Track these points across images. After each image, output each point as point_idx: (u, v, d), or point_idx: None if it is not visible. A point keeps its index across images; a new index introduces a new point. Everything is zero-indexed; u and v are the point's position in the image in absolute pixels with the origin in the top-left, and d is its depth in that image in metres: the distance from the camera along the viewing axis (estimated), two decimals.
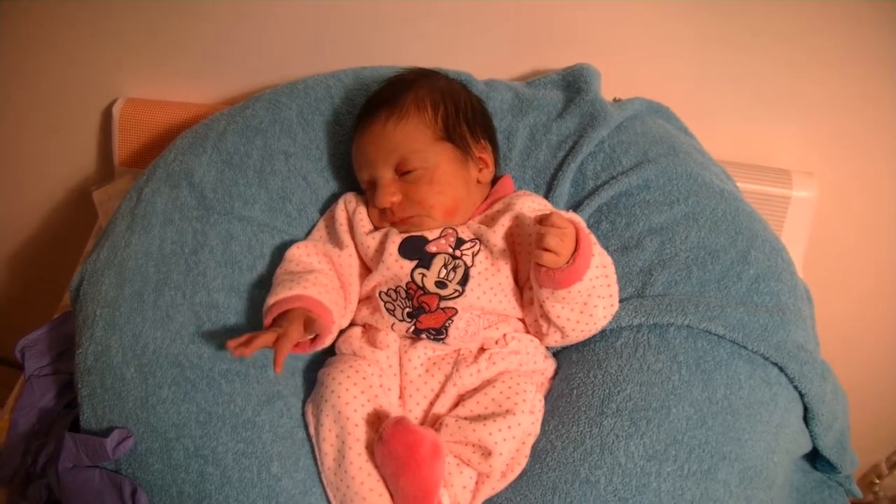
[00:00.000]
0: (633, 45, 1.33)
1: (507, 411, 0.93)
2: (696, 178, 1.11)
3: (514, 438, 0.92)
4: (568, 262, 0.92)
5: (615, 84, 1.29)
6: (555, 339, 1.02)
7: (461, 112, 1.10)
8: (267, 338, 0.90)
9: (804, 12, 1.25)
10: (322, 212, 1.16)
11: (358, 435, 0.92)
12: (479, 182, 1.10)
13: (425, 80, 1.10)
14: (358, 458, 0.91)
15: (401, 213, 1.05)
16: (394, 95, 1.07)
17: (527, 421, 0.94)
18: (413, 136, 1.05)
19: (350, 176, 1.20)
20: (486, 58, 1.36)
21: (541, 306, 0.99)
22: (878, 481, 1.69)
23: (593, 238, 1.02)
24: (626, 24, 1.31)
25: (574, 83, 1.24)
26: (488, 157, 1.11)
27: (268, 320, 0.97)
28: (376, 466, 0.91)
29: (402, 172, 1.04)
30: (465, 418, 0.93)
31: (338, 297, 1.03)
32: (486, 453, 0.91)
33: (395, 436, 0.87)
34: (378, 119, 1.06)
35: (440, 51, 1.31)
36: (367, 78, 1.23)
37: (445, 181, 1.05)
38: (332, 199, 1.16)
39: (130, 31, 1.44)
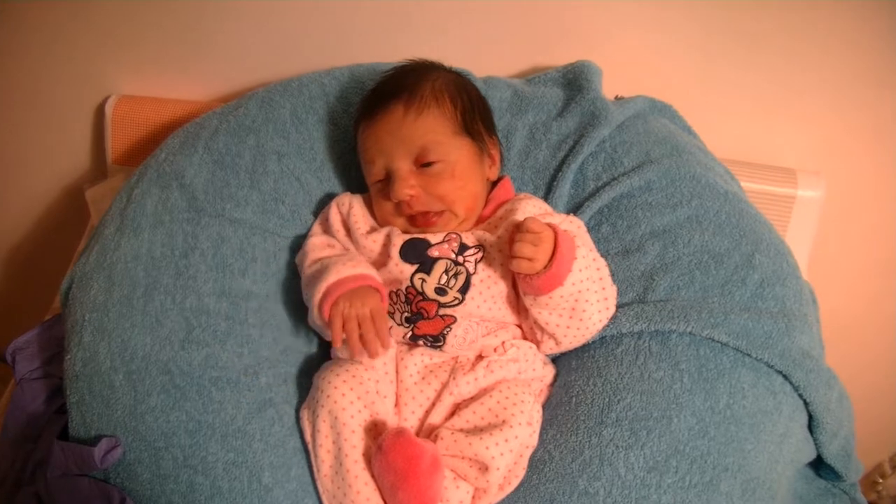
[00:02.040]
0: (635, 41, 1.31)
1: (504, 422, 0.91)
2: (700, 180, 1.09)
3: (511, 452, 0.90)
4: (545, 268, 0.90)
5: (617, 81, 1.28)
6: (550, 347, 1.01)
7: (476, 106, 1.08)
8: (384, 321, 0.95)
9: (812, 8, 1.23)
10: (315, 213, 1.14)
11: (354, 442, 0.90)
12: (488, 179, 1.09)
13: (439, 72, 1.08)
14: (355, 466, 0.89)
15: (418, 207, 1.02)
16: (410, 85, 1.04)
17: (524, 433, 0.91)
18: (434, 129, 1.02)
19: (345, 176, 1.18)
20: (484, 54, 1.34)
21: (530, 312, 0.97)
22: (881, 481, 1.69)
23: (583, 241, 1.00)
24: (629, 20, 1.29)
25: (575, 81, 1.22)
26: (497, 153, 1.10)
27: (329, 303, 0.94)
28: (373, 476, 0.89)
29: (421, 164, 1.01)
30: (462, 431, 0.91)
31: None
32: (483, 468, 0.89)
33: (395, 447, 0.85)
34: (395, 109, 1.02)
35: (438, 47, 1.29)
36: (363, 75, 1.21)
37: (466, 176, 1.03)
38: (326, 200, 1.15)
39: (123, 28, 1.42)
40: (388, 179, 1.03)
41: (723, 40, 1.28)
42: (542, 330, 0.98)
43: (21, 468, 1.01)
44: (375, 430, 0.92)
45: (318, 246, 1.06)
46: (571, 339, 0.98)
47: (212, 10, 1.37)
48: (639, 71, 1.33)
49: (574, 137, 1.15)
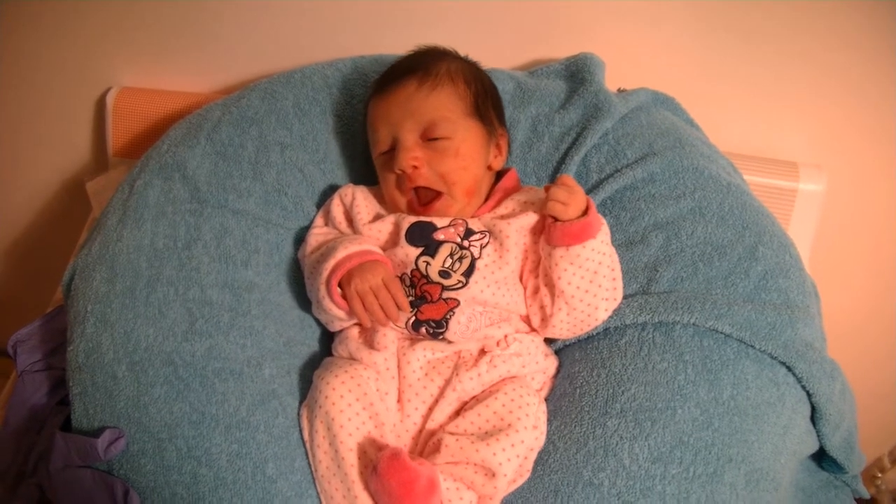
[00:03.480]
0: (638, 33, 1.31)
1: (510, 426, 0.90)
2: (703, 172, 1.09)
3: (517, 457, 0.89)
4: (582, 215, 0.93)
5: (620, 74, 1.27)
6: (559, 320, 0.98)
7: (489, 94, 1.09)
8: (397, 286, 0.97)
9: (815, 2, 1.23)
10: (318, 204, 1.14)
11: (351, 445, 0.89)
12: (490, 168, 1.08)
13: (454, 57, 1.09)
14: (351, 470, 0.89)
15: (420, 181, 1.01)
16: (426, 64, 1.05)
17: (530, 437, 0.91)
18: (445, 105, 1.03)
19: (347, 167, 1.18)
20: (487, 46, 1.33)
21: (549, 276, 0.96)
22: (880, 475, 1.69)
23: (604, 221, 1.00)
24: (632, 12, 1.29)
25: (577, 73, 1.22)
26: (504, 144, 1.11)
27: (336, 278, 0.96)
28: (367, 488, 0.89)
29: (427, 138, 1.02)
30: (466, 435, 0.90)
31: None
32: (490, 474, 0.88)
33: (390, 471, 0.83)
34: (409, 83, 1.03)
35: (440, 39, 1.28)
36: (366, 67, 1.21)
37: (470, 157, 1.03)
38: (329, 192, 1.14)
39: (124, 19, 1.41)
40: (392, 151, 1.03)
41: (726, 33, 1.28)
42: (556, 295, 0.96)
43: (24, 460, 1.00)
44: (375, 431, 0.91)
45: (319, 236, 1.07)
46: (583, 310, 0.97)
47: (214, 2, 1.37)
48: (641, 63, 1.32)
49: (577, 129, 1.15)
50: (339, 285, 0.97)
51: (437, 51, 1.10)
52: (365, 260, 0.97)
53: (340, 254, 0.97)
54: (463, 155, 1.02)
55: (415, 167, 1.01)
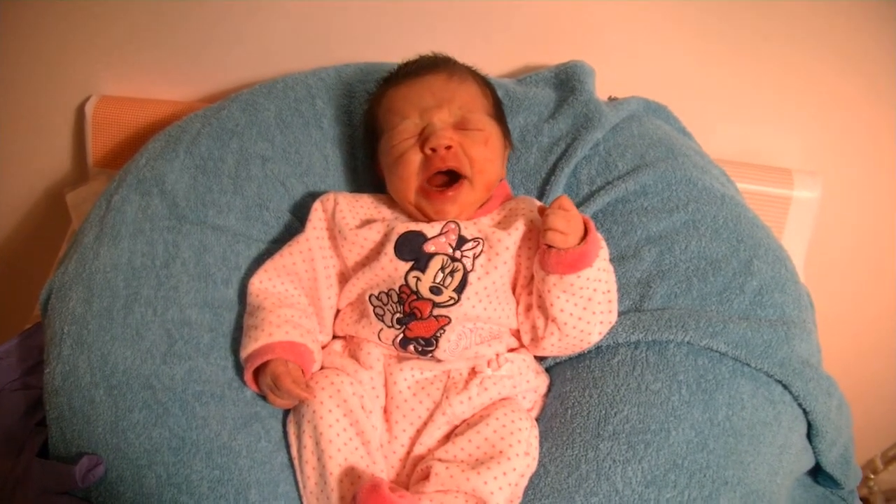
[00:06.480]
0: (629, 40, 1.30)
1: (501, 453, 0.87)
2: (696, 183, 1.07)
3: (510, 485, 0.87)
4: (578, 244, 0.90)
5: (610, 82, 1.26)
6: (550, 343, 0.97)
7: (501, 102, 1.12)
8: (285, 378, 0.92)
9: (808, 10, 1.22)
10: (300, 218, 1.10)
11: (340, 460, 0.88)
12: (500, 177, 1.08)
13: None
14: (339, 486, 0.87)
15: (451, 161, 0.98)
16: (446, 62, 1.07)
17: (522, 464, 0.88)
18: (475, 99, 1.04)
19: (331, 180, 1.16)
20: (474, 53, 1.30)
21: (542, 300, 0.94)
22: (872, 476, 1.68)
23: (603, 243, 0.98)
24: (622, 19, 1.28)
25: (567, 81, 1.20)
26: (507, 155, 1.11)
27: (248, 375, 0.94)
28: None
29: (459, 127, 1.01)
30: (457, 463, 0.88)
31: (310, 323, 0.99)
32: None
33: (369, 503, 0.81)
34: (438, 74, 1.04)
35: (427, 46, 1.26)
36: (350, 76, 1.19)
37: (495, 152, 1.03)
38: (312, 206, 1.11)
39: (104, 26, 1.39)
40: (419, 136, 1.00)
41: (718, 40, 1.27)
42: (549, 320, 0.95)
43: (2, 484, 0.98)
44: (362, 449, 0.89)
45: (251, 293, 1.00)
46: (576, 334, 0.94)
47: (196, 10, 1.35)
48: (632, 71, 1.31)
49: (567, 140, 1.13)
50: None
51: (447, 56, 1.09)
52: (256, 366, 0.94)
53: (242, 353, 0.95)
54: (491, 146, 1.02)
55: (448, 147, 0.98)
